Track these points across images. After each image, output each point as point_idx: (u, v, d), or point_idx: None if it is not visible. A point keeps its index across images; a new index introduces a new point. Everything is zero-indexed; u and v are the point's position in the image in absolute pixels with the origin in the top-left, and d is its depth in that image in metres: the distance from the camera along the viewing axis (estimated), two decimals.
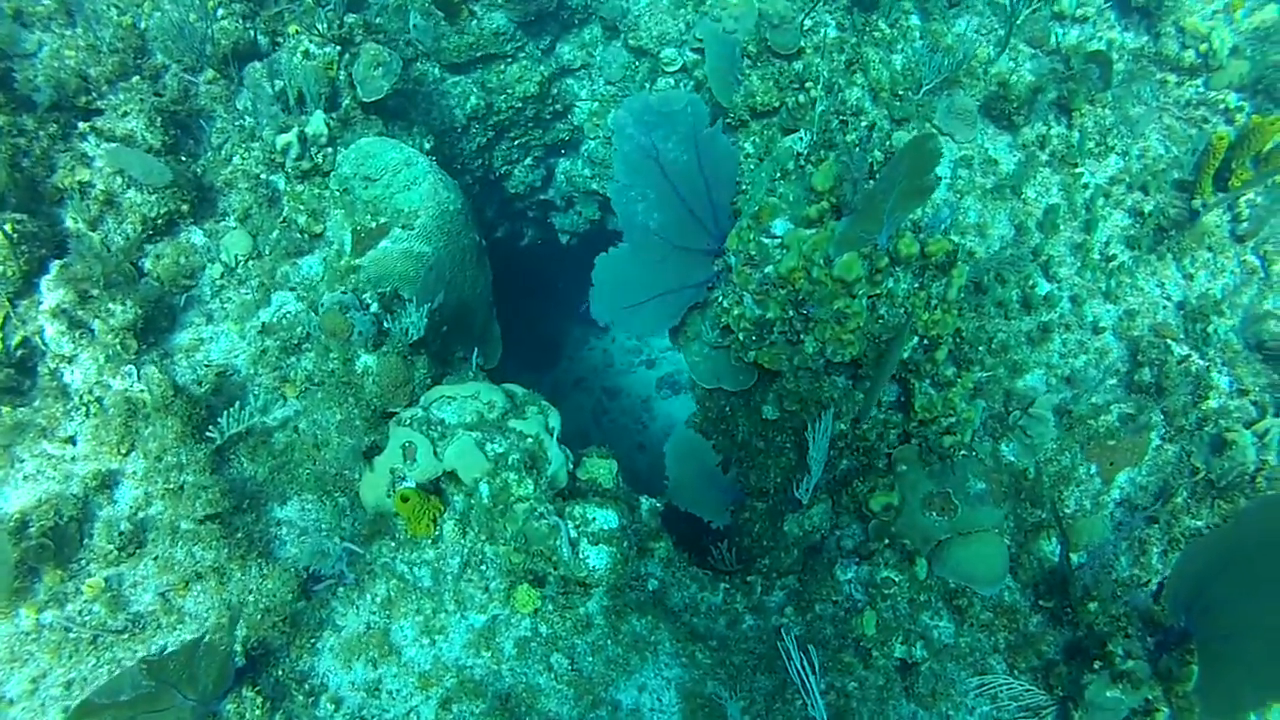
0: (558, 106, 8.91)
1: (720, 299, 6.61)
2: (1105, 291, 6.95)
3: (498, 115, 8.66)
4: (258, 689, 5.09)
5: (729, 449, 7.56)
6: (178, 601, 5.38)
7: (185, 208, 6.66)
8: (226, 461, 5.86)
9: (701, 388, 7.05)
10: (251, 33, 7.35)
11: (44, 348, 6.08)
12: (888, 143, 6.79)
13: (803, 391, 6.46)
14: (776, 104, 7.54)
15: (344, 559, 5.45)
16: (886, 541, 6.32)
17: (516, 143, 9.12)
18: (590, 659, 5.53)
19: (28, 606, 5.34)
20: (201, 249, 6.69)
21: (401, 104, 7.79)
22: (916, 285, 6.10)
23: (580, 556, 5.55)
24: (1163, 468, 6.55)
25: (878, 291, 6.05)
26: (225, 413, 5.72)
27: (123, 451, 5.81)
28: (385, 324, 5.83)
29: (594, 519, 5.67)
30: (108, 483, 5.74)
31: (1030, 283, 6.88)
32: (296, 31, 7.33)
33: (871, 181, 6.10)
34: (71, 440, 5.92)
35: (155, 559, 5.49)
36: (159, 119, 6.74)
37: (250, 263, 6.70)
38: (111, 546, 5.46)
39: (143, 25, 7.25)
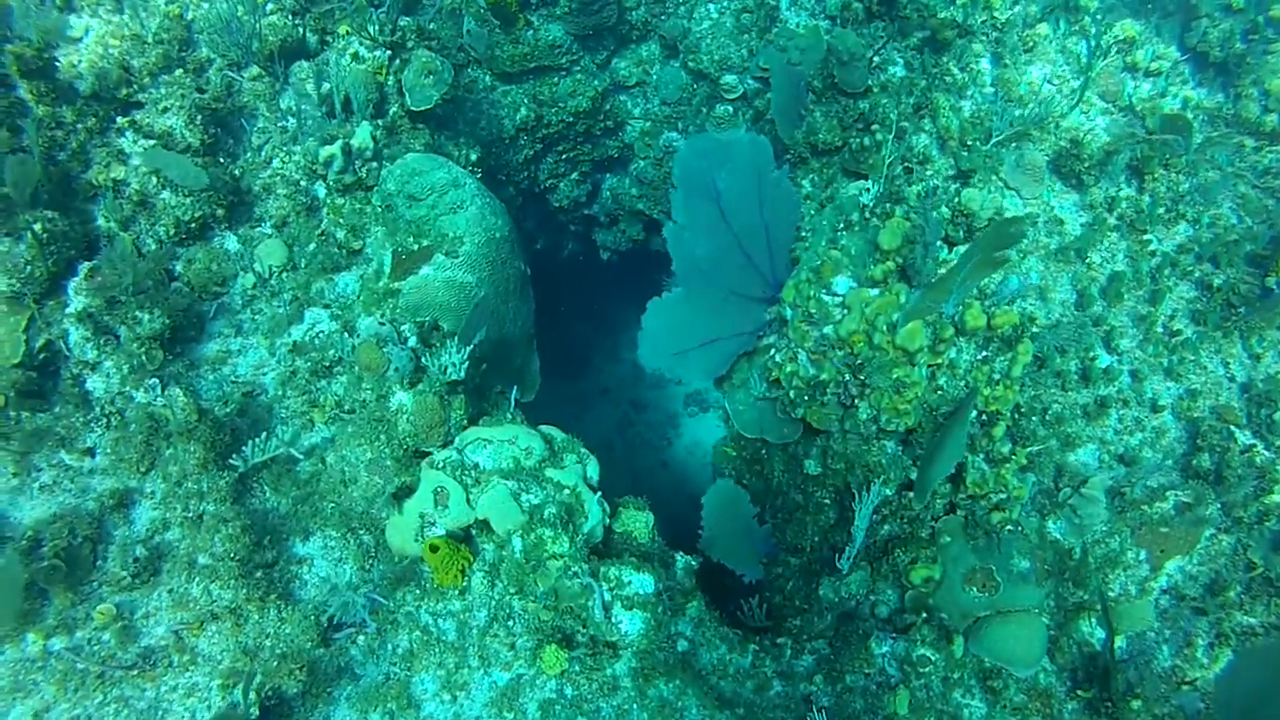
0: (609, 123, 8.52)
1: (773, 352, 6.25)
2: (1167, 368, 6.58)
3: (547, 128, 8.27)
4: None
5: (762, 493, 7.21)
6: (191, 641, 5.05)
7: (220, 212, 6.30)
8: (249, 490, 5.52)
9: (743, 436, 6.69)
10: (300, 30, 6.96)
11: (67, 353, 5.74)
12: (956, 200, 6.39)
13: (850, 454, 6.11)
14: (840, 143, 7.15)
15: (367, 607, 5.12)
16: (924, 616, 5.98)
17: (564, 157, 8.73)
18: None
19: (35, 631, 5.03)
20: (235, 256, 6.34)
21: (450, 112, 7.40)
22: (980, 358, 5.74)
23: (613, 621, 5.23)
24: (1215, 558, 6.21)
25: (939, 361, 5.68)
26: (251, 442, 5.39)
27: (142, 470, 5.49)
28: (423, 360, 5.47)
29: (629, 582, 5.34)
30: (125, 501, 5.42)
31: (1091, 355, 6.51)
32: (347, 32, 6.94)
33: (940, 245, 5.72)
34: (90, 452, 5.60)
35: (170, 591, 5.17)
36: (199, 116, 6.37)
37: (284, 275, 6.34)
38: (125, 573, 5.15)
39: (189, 15, 6.86)
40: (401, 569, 5.42)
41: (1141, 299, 6.78)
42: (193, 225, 6.20)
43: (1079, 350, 6.39)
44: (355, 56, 6.90)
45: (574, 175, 8.95)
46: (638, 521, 5.88)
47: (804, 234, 6.57)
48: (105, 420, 5.62)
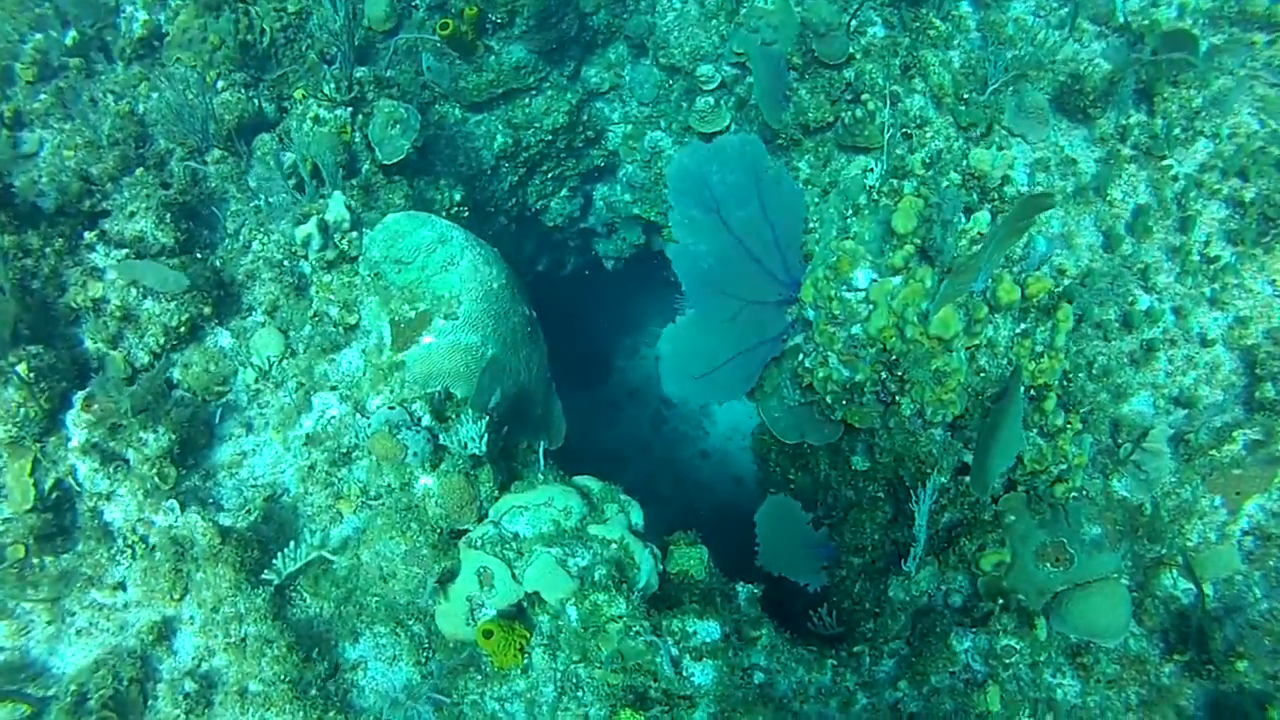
0: (589, 133, 8.07)
1: (801, 357, 5.85)
2: (1210, 298, 6.13)
3: (527, 151, 7.83)
4: None
5: (811, 489, 6.85)
6: None
7: (208, 310, 5.96)
8: (287, 601, 5.21)
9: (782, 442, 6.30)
10: (256, 102, 6.57)
11: (79, 488, 5.45)
12: (964, 162, 5.93)
13: (898, 448, 5.72)
14: (831, 118, 6.69)
15: (431, 709, 4.82)
16: (1001, 602, 5.62)
17: (550, 175, 8.29)
18: None
19: None
20: (231, 352, 5.98)
21: (425, 155, 6.97)
22: (1019, 331, 5.32)
23: (684, 675, 4.89)
24: None
25: (976, 342, 5.27)
26: (281, 554, 5.07)
27: (176, 596, 5.20)
28: (441, 439, 5.11)
29: (694, 632, 5.00)
30: (165, 632, 5.14)
31: (1130, 298, 6.07)
32: (303, 96, 6.53)
33: (959, 218, 5.28)
34: (121, 586, 5.32)
35: None
36: (168, 214, 6.01)
37: (285, 362, 5.99)
38: (179, 711, 4.86)
39: (140, 109, 6.47)
40: (459, 656, 5.10)
41: (1171, 229, 6.32)
42: (182, 330, 5.86)
43: (1119, 296, 5.95)
44: (316, 120, 6.49)
45: (563, 192, 8.52)
46: (691, 559, 5.53)
47: (812, 225, 6.14)
48: (130, 550, 5.33)
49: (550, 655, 4.99)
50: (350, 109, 6.54)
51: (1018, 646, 5.47)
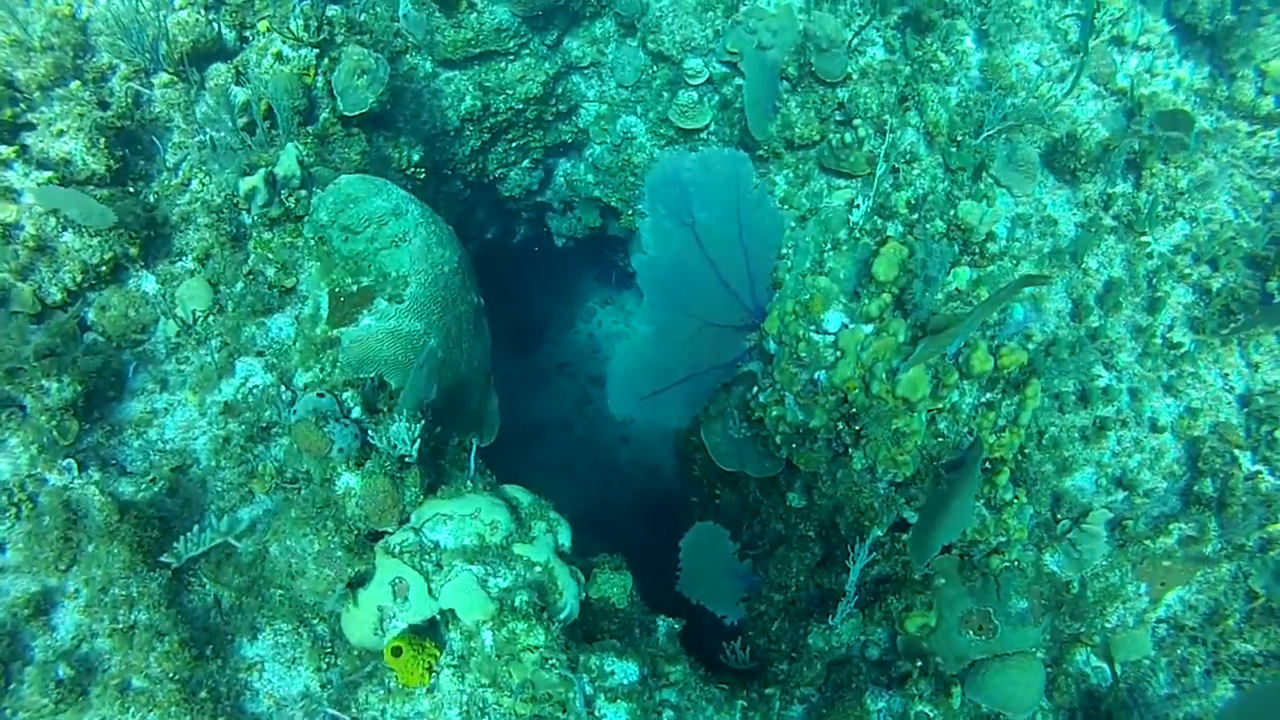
0: (562, 107, 7.53)
1: (756, 391, 5.52)
2: (1166, 383, 5.97)
3: (495, 117, 7.29)
4: None
5: (737, 509, 6.59)
6: None
7: (134, 250, 5.37)
8: (185, 585, 4.73)
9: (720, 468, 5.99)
10: (216, 27, 5.91)
11: None
12: (951, 212, 5.62)
13: (839, 496, 5.45)
14: (817, 137, 6.30)
15: None
16: (919, 664, 5.44)
17: (514, 145, 7.74)
18: None
19: None
20: (154, 298, 5.41)
21: (388, 108, 6.39)
22: (983, 401, 5.07)
23: (596, 715, 4.58)
24: (1215, 586, 5.70)
25: (939, 406, 5.00)
26: (183, 537, 4.58)
27: (62, 567, 4.67)
28: (370, 437, 4.66)
29: (612, 672, 4.70)
30: (43, 606, 4.60)
31: (1091, 374, 5.86)
32: (267, 29, 5.90)
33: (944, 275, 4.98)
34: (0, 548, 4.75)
35: None
36: (102, 139, 5.36)
37: (211, 318, 5.44)
38: (47, 701, 4.36)
39: (83, 14, 5.76)
40: (362, 665, 4.70)
41: (1140, 307, 6.13)
42: (103, 269, 5.27)
43: (1079, 371, 5.74)
44: (278, 57, 5.88)
45: (525, 163, 7.98)
46: (614, 586, 5.22)
47: (785, 251, 5.77)
48: (15, 509, 4.76)
49: (459, 677, 4.63)
50: (316, 50, 5.93)
51: (931, 714, 5.29)
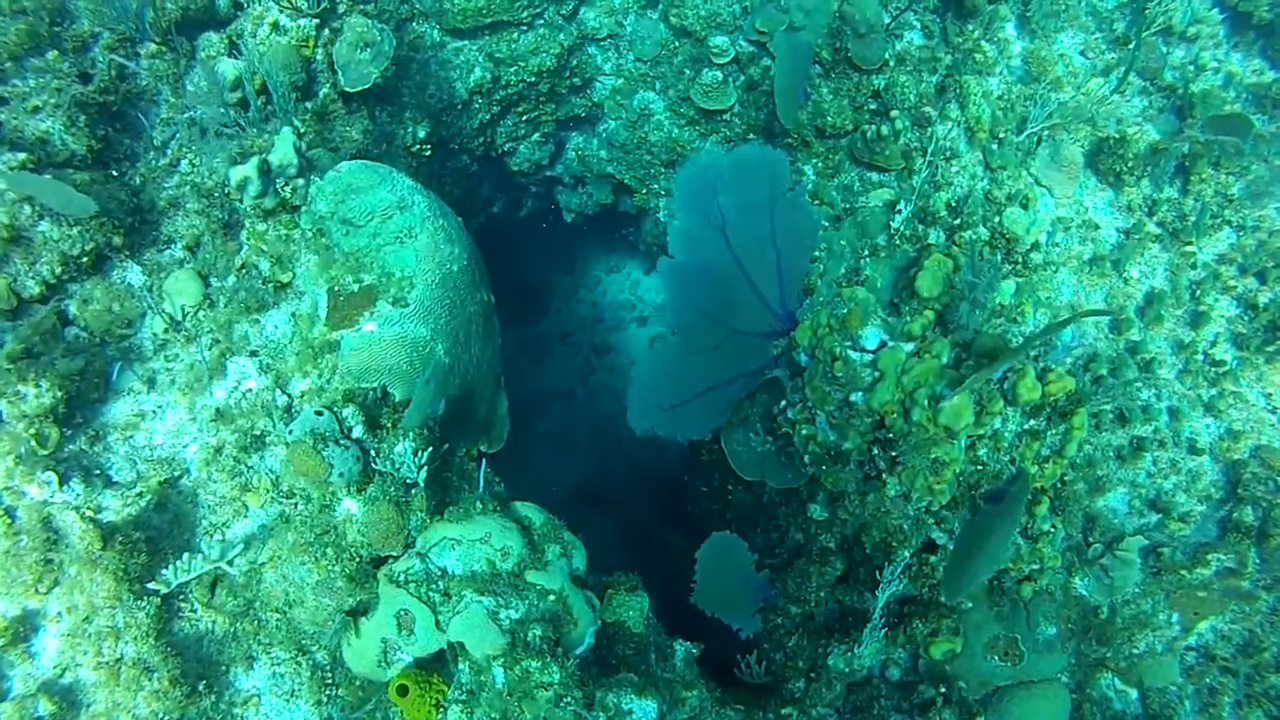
0: (576, 80, 6.97)
1: (783, 405, 5.09)
2: (1206, 403, 5.58)
3: (506, 89, 6.73)
4: None
5: (751, 508, 6.23)
6: None
7: (118, 240, 4.87)
8: (174, 612, 4.32)
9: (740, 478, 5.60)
10: None
11: None
12: (995, 220, 5.16)
13: (867, 516, 5.07)
14: (850, 126, 5.80)
15: None
16: (943, 690, 5.12)
17: (525, 118, 7.18)
18: None
19: None
20: (140, 291, 4.91)
21: (392, 81, 5.85)
22: (1026, 428, 4.66)
23: None
24: (1251, 616, 5.38)
25: (981, 433, 4.60)
26: (172, 564, 4.15)
27: (42, 590, 4.25)
28: (374, 462, 4.23)
29: (630, 711, 4.33)
30: (23, 632, 4.19)
31: (1131, 392, 5.46)
32: None
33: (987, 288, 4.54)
34: None
35: None
36: (83, 116, 4.83)
37: (201, 314, 4.94)
38: None
39: None
40: (365, 697, 4.33)
41: (1182, 320, 5.71)
42: (84, 260, 4.76)
43: (1120, 390, 5.33)
44: (274, 27, 5.33)
45: (535, 136, 7.43)
46: (630, 608, 4.84)
47: (818, 254, 5.29)
48: None
49: (467, 713, 4.25)
50: (316, 20, 5.37)
51: None
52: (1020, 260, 5.21)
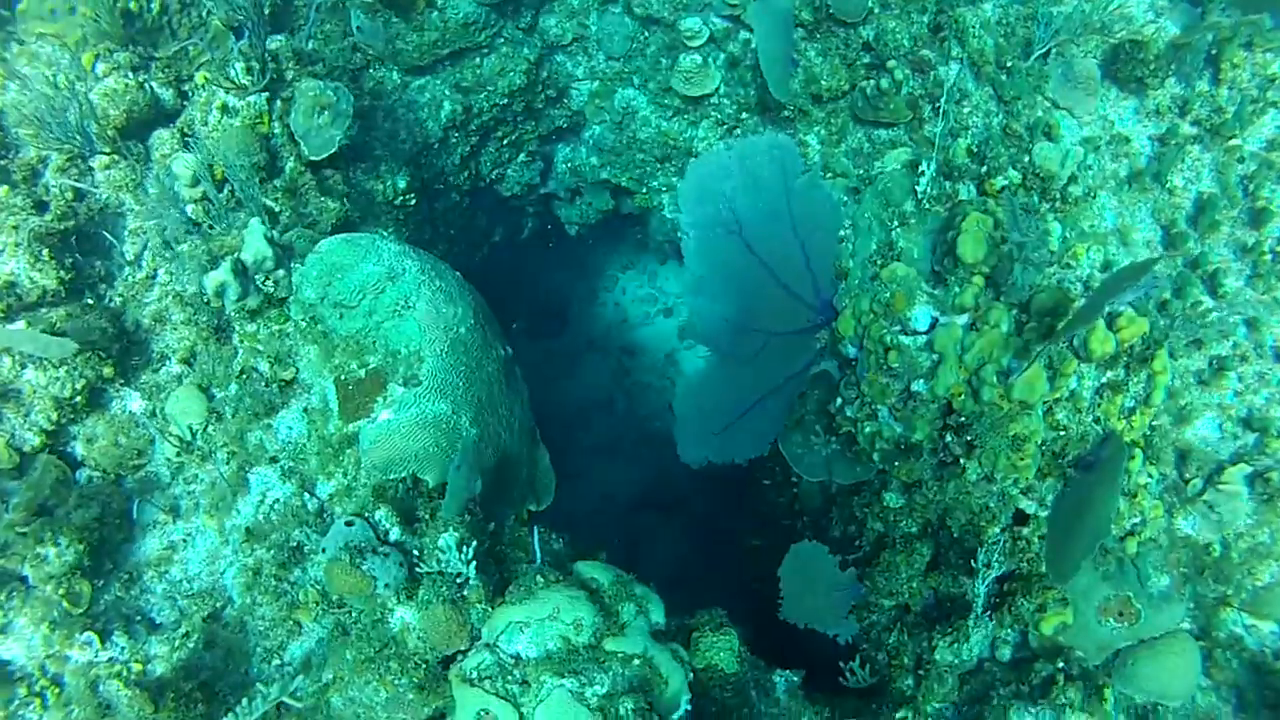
0: (550, 91, 6.48)
1: (840, 404, 4.63)
2: None
3: (480, 117, 6.26)
4: None
5: (821, 500, 5.79)
6: None
7: (108, 370, 4.48)
8: None
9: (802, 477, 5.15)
10: (149, 88, 4.88)
11: None
12: (1026, 159, 4.63)
13: (948, 500, 4.61)
14: (846, 86, 5.28)
15: None
16: (1061, 665, 4.68)
17: (506, 142, 6.70)
18: None
19: None
20: (143, 417, 4.53)
21: (360, 137, 5.39)
22: (1104, 381, 4.18)
23: None
24: None
25: (1056, 395, 4.11)
26: (233, 713, 3.77)
27: None
28: (419, 565, 3.83)
29: None
30: None
31: (1199, 309, 4.94)
32: (206, 81, 4.86)
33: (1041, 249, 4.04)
34: None
35: None
36: (45, 249, 4.41)
37: (211, 428, 4.55)
38: None
39: None
40: None
41: (1240, 221, 5.16)
42: (78, 400, 4.38)
43: (1206, 328, 4.81)
44: (224, 110, 4.87)
45: (521, 157, 6.95)
46: (720, 648, 4.44)
47: (844, 232, 4.79)
48: (39, 699, 3.98)
49: None
50: (266, 94, 4.91)
51: None
52: (1058, 196, 4.68)
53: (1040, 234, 3.92)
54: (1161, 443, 4.93)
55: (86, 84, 4.77)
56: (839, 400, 4.61)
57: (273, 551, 4.32)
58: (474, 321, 4.57)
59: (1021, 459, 4.16)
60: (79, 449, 4.49)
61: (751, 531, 7.25)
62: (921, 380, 4.16)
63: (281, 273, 4.46)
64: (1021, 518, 4.74)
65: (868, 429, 4.46)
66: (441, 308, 4.45)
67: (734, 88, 5.91)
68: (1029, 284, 4.07)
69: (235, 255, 4.33)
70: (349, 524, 3.90)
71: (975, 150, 4.83)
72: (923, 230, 4.50)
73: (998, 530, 4.66)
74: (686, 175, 4.63)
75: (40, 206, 4.63)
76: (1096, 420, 4.20)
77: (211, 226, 4.62)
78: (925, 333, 4.19)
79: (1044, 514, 4.60)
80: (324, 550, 3.86)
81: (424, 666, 3.95)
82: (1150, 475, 4.45)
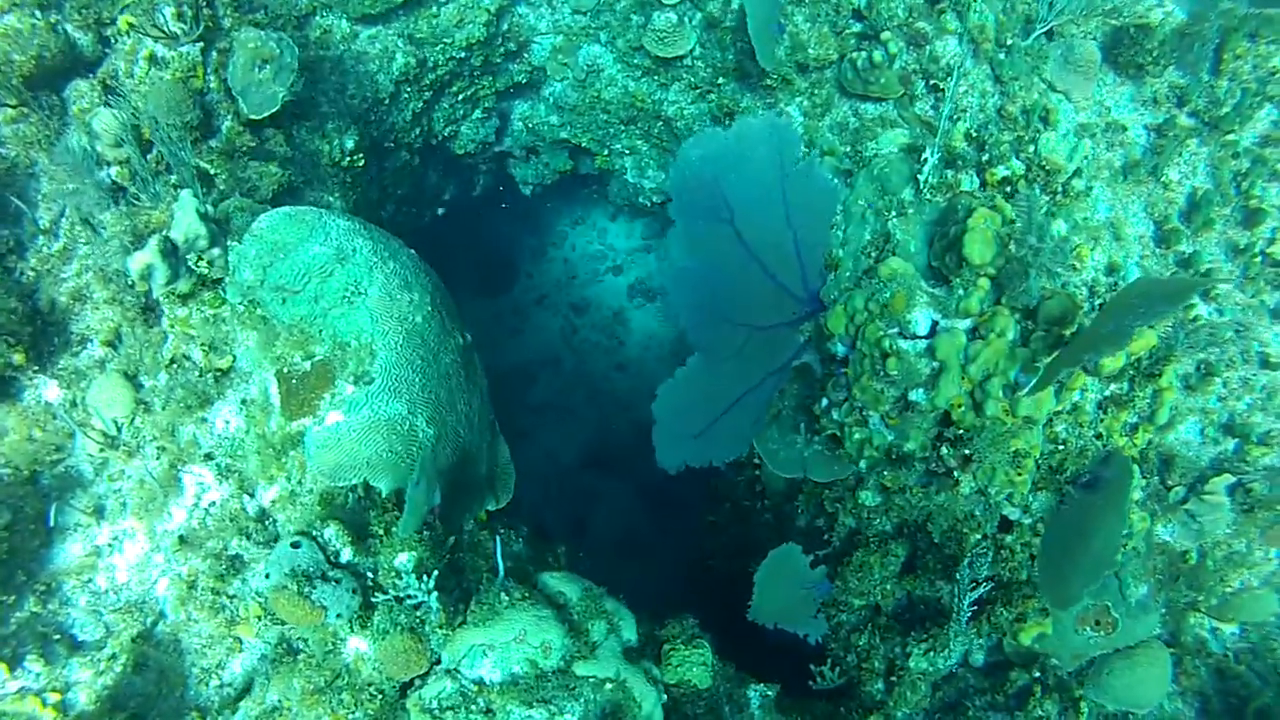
0: (511, 45, 5.87)
1: (826, 406, 4.27)
2: (1274, 310, 4.81)
3: (434, 71, 5.65)
4: None
5: (786, 488, 5.49)
6: None
7: (18, 357, 3.89)
8: None
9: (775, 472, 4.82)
10: (62, 32, 4.19)
11: None
12: (1031, 147, 4.27)
13: (932, 508, 4.33)
14: (835, 56, 4.85)
15: None
16: (1038, 675, 4.48)
17: (461, 97, 6.10)
18: None
19: None
20: (61, 408, 3.97)
21: (305, 91, 4.79)
22: (1107, 395, 3.89)
23: None
24: None
25: (1059, 408, 3.82)
26: None
27: None
28: (370, 586, 3.40)
29: None
30: None
31: (1189, 312, 4.68)
32: (130, 26, 4.21)
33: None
34: None
35: None
36: None
37: (138, 421, 4.01)
38: None
39: None
40: None
41: (1232, 220, 4.89)
42: None
43: (1213, 348, 4.56)
44: (152, 60, 4.23)
45: (476, 114, 6.36)
46: (693, 664, 4.14)
47: (835, 219, 4.38)
48: None
49: None
50: (200, 44, 4.28)
51: None
52: (1059, 189, 4.35)
53: (1059, 243, 3.58)
54: (1148, 449, 4.71)
55: None
56: (824, 401, 4.26)
57: (209, 561, 3.85)
58: (431, 308, 4.07)
59: (1019, 474, 3.87)
60: None
61: (708, 506, 6.94)
62: (920, 390, 3.83)
63: (216, 251, 3.90)
64: (1005, 525, 4.49)
65: (856, 435, 4.13)
66: (396, 294, 3.95)
67: (710, 50, 5.41)
68: (1039, 290, 3.74)
69: (164, 233, 3.75)
70: (295, 545, 3.44)
71: (974, 135, 4.46)
72: (920, 221, 4.13)
73: (979, 537, 4.40)
74: (679, 156, 4.16)
75: None
76: (1098, 435, 3.93)
77: (137, 196, 4.02)
78: (925, 337, 3.84)
79: (1028, 521, 4.36)
80: (268, 576, 3.40)
81: (379, 697, 3.55)
82: (1140, 487, 4.22)
